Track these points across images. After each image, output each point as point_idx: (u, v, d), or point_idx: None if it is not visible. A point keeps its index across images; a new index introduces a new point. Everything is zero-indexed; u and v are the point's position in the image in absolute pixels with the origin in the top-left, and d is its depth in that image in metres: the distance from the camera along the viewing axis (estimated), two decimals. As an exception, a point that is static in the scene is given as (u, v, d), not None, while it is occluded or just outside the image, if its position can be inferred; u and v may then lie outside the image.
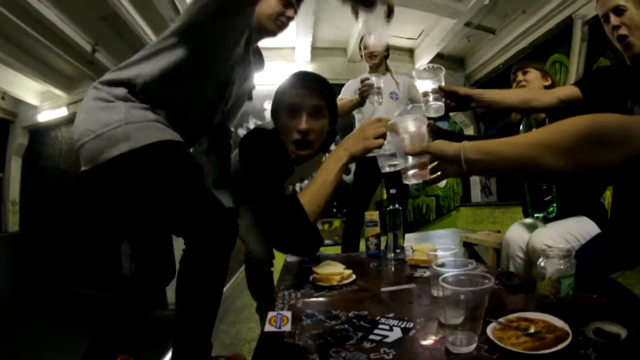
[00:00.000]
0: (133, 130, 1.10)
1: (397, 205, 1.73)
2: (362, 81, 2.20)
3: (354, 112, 2.71)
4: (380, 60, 2.73)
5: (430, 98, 1.36)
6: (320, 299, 1.19)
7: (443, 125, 9.33)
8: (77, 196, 6.27)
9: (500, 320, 0.83)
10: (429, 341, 0.83)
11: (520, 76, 1.85)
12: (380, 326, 0.92)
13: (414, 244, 1.73)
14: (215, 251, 1.13)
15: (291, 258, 1.87)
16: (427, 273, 1.32)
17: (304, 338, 0.88)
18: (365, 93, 2.19)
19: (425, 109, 1.40)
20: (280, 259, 1.71)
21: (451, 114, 7.55)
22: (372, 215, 1.82)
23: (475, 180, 7.44)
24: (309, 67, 6.20)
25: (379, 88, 2.19)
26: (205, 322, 1.19)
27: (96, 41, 5.52)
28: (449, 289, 0.76)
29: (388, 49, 2.80)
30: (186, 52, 1.18)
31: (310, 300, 1.17)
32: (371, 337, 0.86)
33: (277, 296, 1.21)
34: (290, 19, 1.36)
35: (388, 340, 0.84)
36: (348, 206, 2.78)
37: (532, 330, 0.78)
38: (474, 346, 0.75)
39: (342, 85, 6.17)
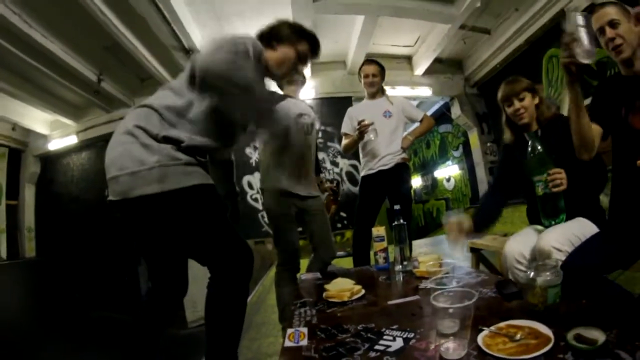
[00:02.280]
0: (166, 173, 1.22)
1: (401, 220, 1.81)
2: (359, 123, 2.62)
3: None
4: (377, 89, 2.90)
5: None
6: (333, 314, 1.28)
7: (447, 128, 9.38)
8: (92, 220, 6.39)
9: (491, 328, 0.91)
10: (426, 349, 0.92)
11: (517, 104, 1.80)
12: (385, 337, 1.02)
13: (422, 254, 1.78)
14: (238, 280, 1.30)
15: (306, 275, 1.98)
16: (432, 284, 1.38)
17: (319, 351, 0.98)
18: (363, 132, 2.61)
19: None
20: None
21: (453, 116, 7.60)
22: (379, 230, 1.91)
23: (482, 181, 7.44)
24: (310, 83, 6.33)
25: (372, 123, 2.60)
26: (232, 340, 1.33)
27: (101, 71, 5.69)
28: (438, 306, 0.90)
29: (384, 75, 2.94)
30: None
31: (324, 316, 1.26)
32: (376, 347, 0.96)
33: (294, 313, 1.31)
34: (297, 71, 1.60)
35: (391, 349, 0.95)
36: (355, 221, 2.88)
37: (518, 336, 0.86)
38: (464, 352, 0.85)
39: (344, 98, 6.33)
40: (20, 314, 5.89)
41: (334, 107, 6.45)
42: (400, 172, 2.80)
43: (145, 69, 5.42)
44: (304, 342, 1.03)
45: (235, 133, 1.49)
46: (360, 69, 2.93)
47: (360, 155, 2.94)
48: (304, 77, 2.38)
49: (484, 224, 1.88)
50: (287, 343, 1.03)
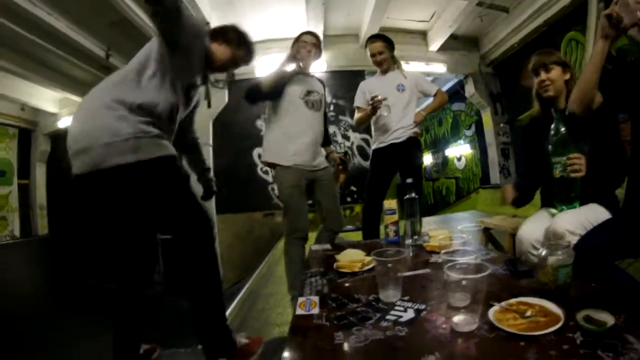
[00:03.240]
0: (139, 144, 1.33)
1: (413, 194, 1.79)
2: (372, 98, 2.55)
3: None
4: (387, 65, 2.82)
5: None
6: (344, 284, 1.28)
7: (460, 106, 9.21)
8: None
9: (502, 304, 0.92)
10: (437, 321, 0.93)
11: (543, 75, 1.75)
12: (396, 308, 1.03)
13: (432, 230, 1.78)
14: (203, 243, 1.46)
15: (315, 246, 1.98)
16: (443, 258, 1.37)
17: (330, 319, 0.98)
18: (375, 107, 2.56)
19: None
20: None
21: (467, 94, 7.44)
22: (391, 203, 1.88)
23: (494, 162, 7.33)
24: (322, 56, 6.15)
25: (385, 99, 2.55)
26: (213, 295, 1.47)
27: (109, 46, 5.64)
28: (452, 277, 0.89)
29: (393, 49, 2.83)
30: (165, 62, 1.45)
31: (335, 286, 1.26)
32: (388, 317, 0.97)
33: (305, 283, 1.31)
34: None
35: (402, 319, 0.95)
36: (366, 195, 2.85)
37: (528, 313, 0.88)
38: (475, 326, 0.86)
39: (356, 71, 6.20)
40: (34, 289, 6.01)
41: (346, 80, 6.37)
42: (412, 146, 2.75)
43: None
44: (315, 311, 1.02)
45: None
46: (365, 46, 2.84)
47: (372, 129, 2.89)
48: (319, 51, 2.38)
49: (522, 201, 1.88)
50: (299, 311, 1.03)
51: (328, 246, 1.96)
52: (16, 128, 7.92)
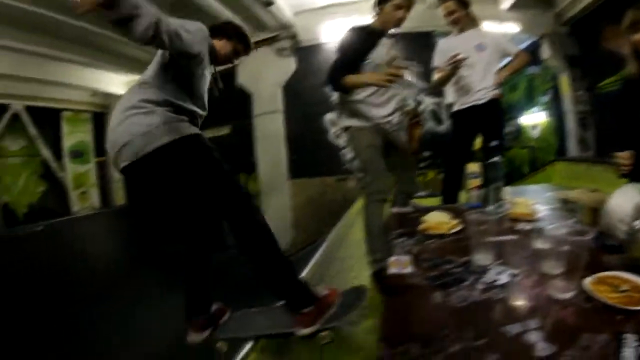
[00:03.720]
0: (172, 127, 1.50)
1: (496, 158, 1.74)
2: (452, 57, 2.41)
3: None
4: (463, 24, 2.66)
5: None
6: (433, 246, 1.28)
7: (535, 70, 8.47)
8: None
9: (596, 275, 0.92)
10: (532, 286, 0.94)
11: None
12: (490, 272, 1.04)
13: (511, 198, 1.75)
14: (243, 210, 1.59)
15: (397, 209, 2.01)
16: (529, 226, 1.39)
17: (424, 279, 0.99)
18: (456, 67, 2.43)
19: None
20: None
21: (542, 57, 6.82)
22: (474, 167, 1.87)
23: (571, 132, 6.71)
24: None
25: (466, 58, 2.41)
26: (272, 254, 1.56)
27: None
28: (550, 242, 0.93)
29: (467, 5, 2.65)
30: (180, 69, 1.58)
31: (424, 247, 1.26)
32: (483, 279, 1.00)
33: (393, 243, 1.31)
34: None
35: (497, 283, 0.97)
36: (446, 158, 2.79)
37: (622, 288, 0.88)
38: (571, 294, 0.87)
39: (425, 33, 5.88)
40: (115, 254, 6.73)
41: (413, 43, 6.00)
42: (494, 108, 2.61)
43: (212, 18, 5.34)
44: (408, 270, 1.01)
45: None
46: (438, 7, 2.72)
47: (452, 90, 2.76)
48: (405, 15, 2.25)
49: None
50: (392, 270, 1.02)
51: (410, 208, 1.98)
52: (89, 113, 8.66)
